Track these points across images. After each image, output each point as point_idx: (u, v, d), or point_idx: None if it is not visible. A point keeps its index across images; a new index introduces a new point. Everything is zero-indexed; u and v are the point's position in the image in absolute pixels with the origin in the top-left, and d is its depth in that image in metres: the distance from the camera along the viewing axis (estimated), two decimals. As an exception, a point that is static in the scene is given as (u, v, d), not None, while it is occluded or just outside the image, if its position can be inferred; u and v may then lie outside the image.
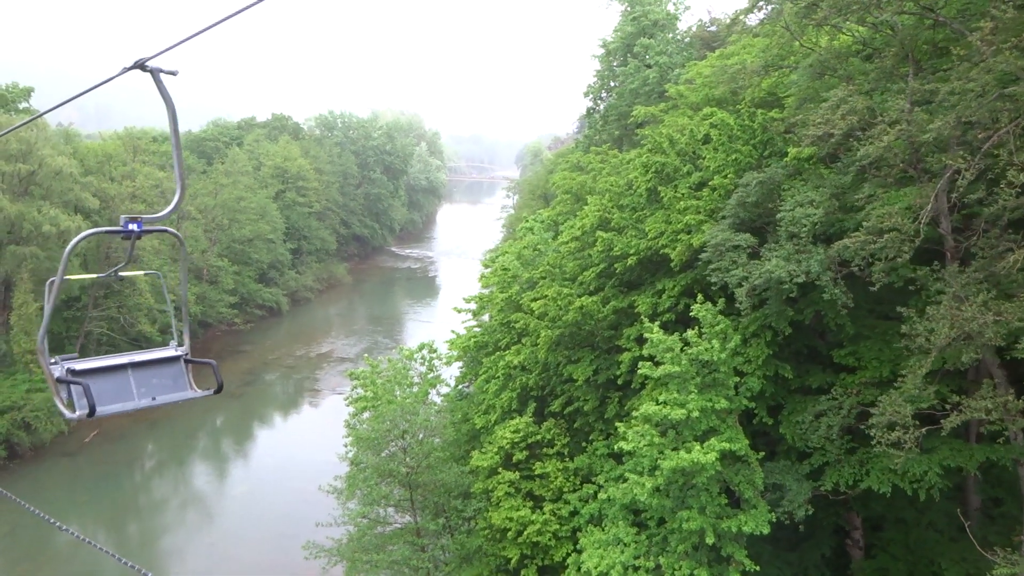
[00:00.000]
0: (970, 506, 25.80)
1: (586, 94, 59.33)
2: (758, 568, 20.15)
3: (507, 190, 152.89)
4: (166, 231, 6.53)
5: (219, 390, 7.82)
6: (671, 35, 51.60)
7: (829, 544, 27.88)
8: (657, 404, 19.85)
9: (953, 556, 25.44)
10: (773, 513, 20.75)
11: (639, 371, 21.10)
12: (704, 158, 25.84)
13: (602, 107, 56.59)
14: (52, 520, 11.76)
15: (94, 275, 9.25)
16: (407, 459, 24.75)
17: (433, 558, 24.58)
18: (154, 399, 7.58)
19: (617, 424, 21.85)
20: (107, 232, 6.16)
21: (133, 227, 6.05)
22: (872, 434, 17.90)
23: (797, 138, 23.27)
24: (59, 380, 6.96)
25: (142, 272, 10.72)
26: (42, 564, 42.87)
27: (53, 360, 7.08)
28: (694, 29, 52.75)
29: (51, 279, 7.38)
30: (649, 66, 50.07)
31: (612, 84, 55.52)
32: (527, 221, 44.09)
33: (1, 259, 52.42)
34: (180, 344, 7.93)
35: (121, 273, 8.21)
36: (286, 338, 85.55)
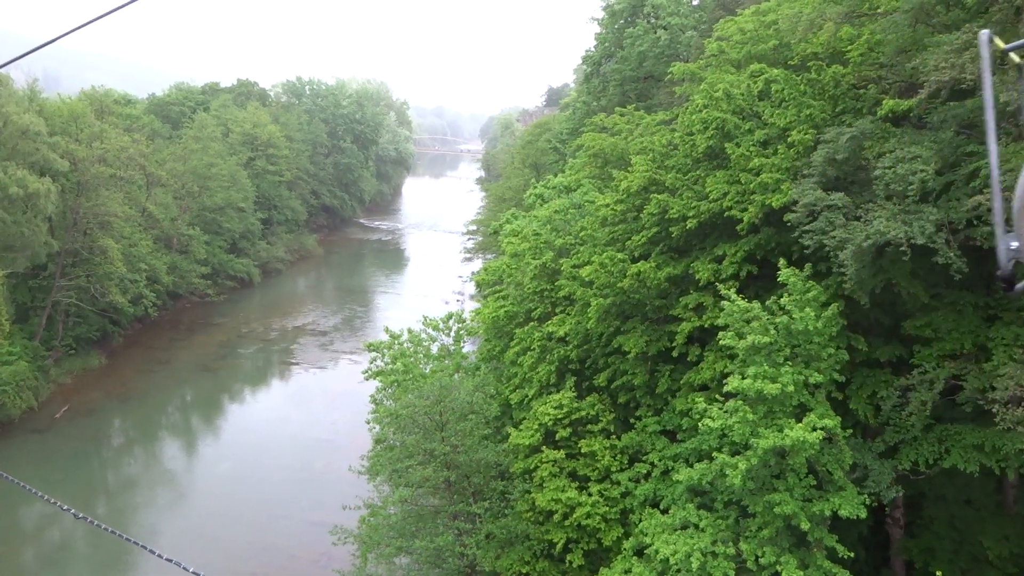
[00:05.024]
0: (1007, 482, 24.78)
1: (584, 60, 57.38)
2: (852, 555, 18.69)
3: (479, 162, 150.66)
4: None
5: None
6: (681, -5, 49.75)
7: (866, 522, 26.72)
8: (746, 378, 18.14)
9: (995, 534, 24.40)
10: (864, 495, 19.30)
11: (721, 341, 19.34)
12: (763, 114, 24.10)
13: (601, 71, 54.61)
14: (54, 500, 9.50)
15: None
16: (451, 438, 22.76)
17: (479, 543, 22.68)
18: None
19: (696, 399, 20.13)
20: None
21: None
22: (994, 411, 16.46)
23: (879, 89, 21.68)
24: None
25: None
26: (16, 545, 40.36)
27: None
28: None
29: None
30: (655, 29, 48.17)
31: (613, 49, 53.48)
32: (535, 187, 42.10)
33: (-37, 223, 48.85)
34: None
35: None
36: (259, 310, 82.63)
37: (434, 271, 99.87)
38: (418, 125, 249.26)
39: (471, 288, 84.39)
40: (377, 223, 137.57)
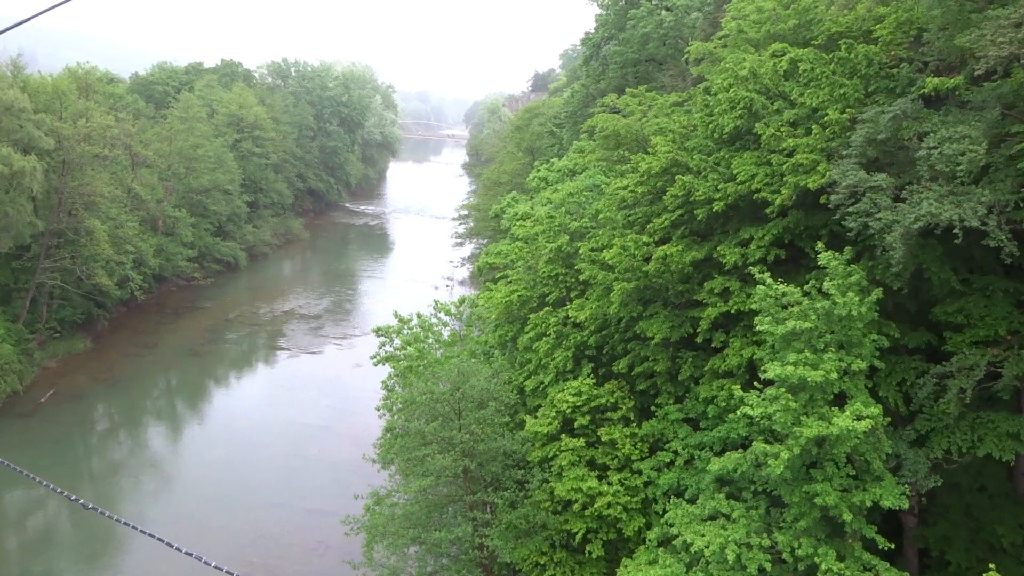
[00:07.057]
0: (1018, 469, 24.41)
1: (584, 41, 56.48)
2: (893, 546, 18.16)
3: (464, 147, 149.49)
4: None
5: None
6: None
7: (879, 510, 26.30)
8: (787, 364, 17.48)
9: (1010, 523, 23.99)
10: (904, 486, 18.78)
11: (758, 327, 18.68)
12: (791, 94, 23.40)
13: (601, 54, 53.75)
14: (63, 491, 8.83)
15: None
16: (471, 426, 21.96)
17: (500, 534, 21.94)
18: None
19: (731, 387, 19.46)
20: None
21: None
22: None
23: (913, 68, 21.06)
24: None
25: None
26: (1, 532, 39.26)
27: None
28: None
29: None
30: (659, 10, 47.33)
31: (614, 31, 52.60)
32: (538, 171, 41.27)
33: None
34: None
35: None
36: (246, 294, 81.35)
37: (422, 256, 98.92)
38: (402, 109, 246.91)
39: (462, 273, 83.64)
40: (363, 207, 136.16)
